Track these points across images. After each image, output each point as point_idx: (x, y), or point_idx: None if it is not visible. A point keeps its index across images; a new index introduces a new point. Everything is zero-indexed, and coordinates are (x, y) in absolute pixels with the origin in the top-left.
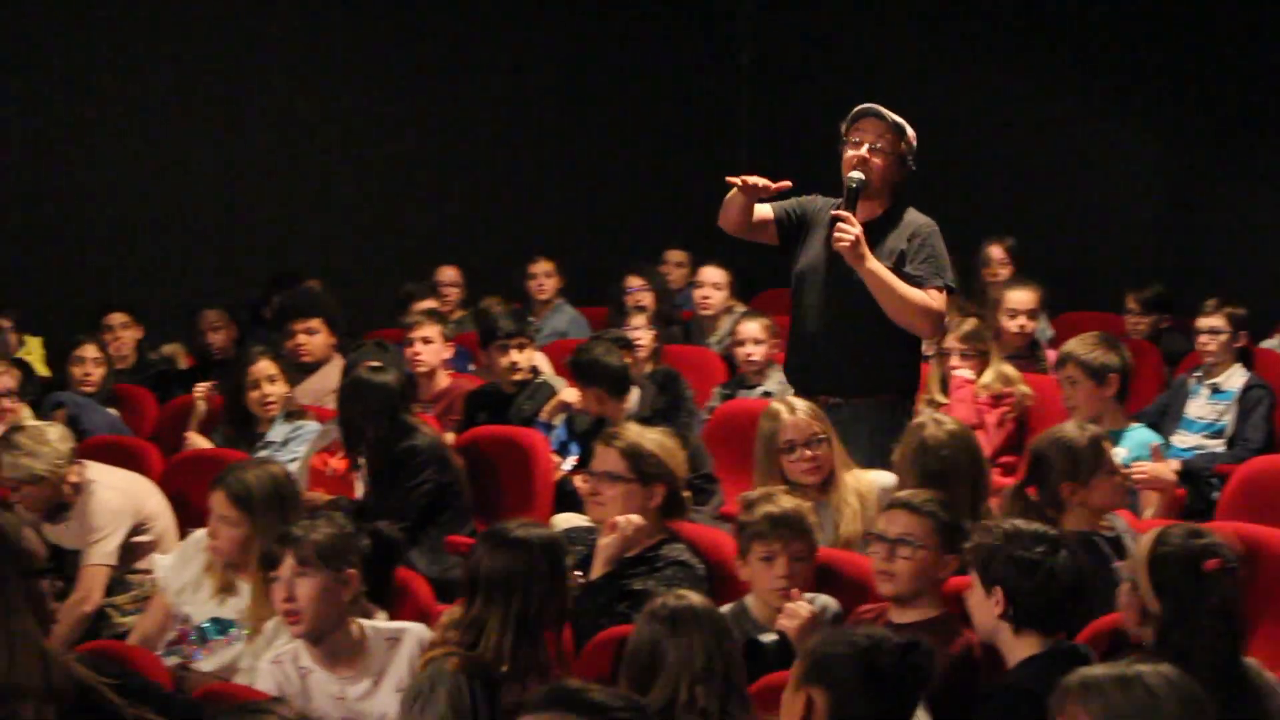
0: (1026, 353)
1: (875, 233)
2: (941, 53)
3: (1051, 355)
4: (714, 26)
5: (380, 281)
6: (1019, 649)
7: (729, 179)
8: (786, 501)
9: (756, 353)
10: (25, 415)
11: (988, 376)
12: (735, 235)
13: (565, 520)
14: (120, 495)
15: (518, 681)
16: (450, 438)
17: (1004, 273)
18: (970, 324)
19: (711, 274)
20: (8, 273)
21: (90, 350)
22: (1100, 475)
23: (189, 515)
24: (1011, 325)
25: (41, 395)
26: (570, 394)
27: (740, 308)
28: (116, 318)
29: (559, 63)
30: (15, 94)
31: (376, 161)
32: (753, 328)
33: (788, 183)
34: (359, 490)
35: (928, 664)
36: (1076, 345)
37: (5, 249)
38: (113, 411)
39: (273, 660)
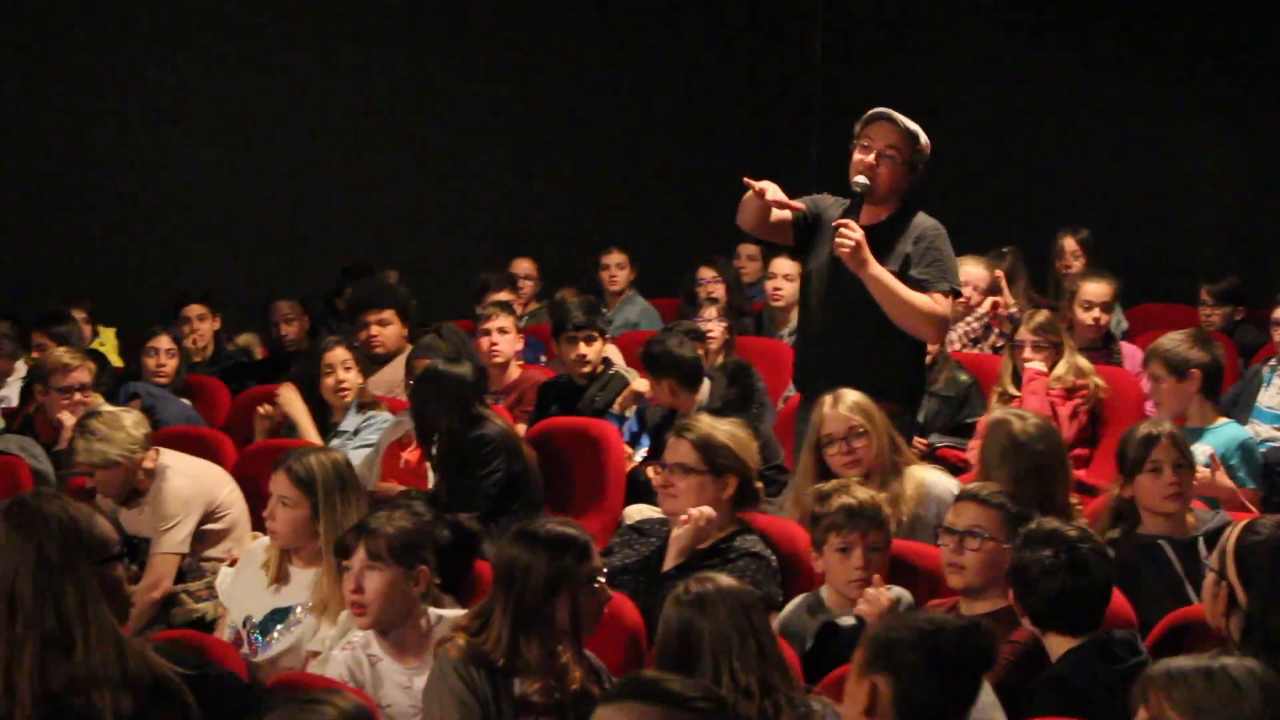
0: (1100, 345)
1: (881, 237)
2: (1016, 43)
3: (1126, 348)
4: (786, 17)
5: (455, 273)
6: (1054, 645)
7: (746, 180)
8: (861, 493)
9: None
10: (98, 403)
11: (1061, 369)
12: (752, 233)
13: (637, 512)
14: (192, 483)
15: (519, 676)
16: (522, 429)
17: (1077, 264)
18: (1042, 316)
19: (783, 265)
20: (82, 264)
21: (164, 341)
22: (1144, 473)
23: (261, 505)
24: (1086, 317)
25: (116, 386)
26: (642, 385)
27: None
28: (194, 309)
29: (633, 56)
30: (96, 91)
31: (453, 154)
32: None
33: (801, 205)
34: (431, 481)
35: (989, 645)
36: (1163, 341)
37: (80, 241)
38: (186, 402)
39: (344, 646)
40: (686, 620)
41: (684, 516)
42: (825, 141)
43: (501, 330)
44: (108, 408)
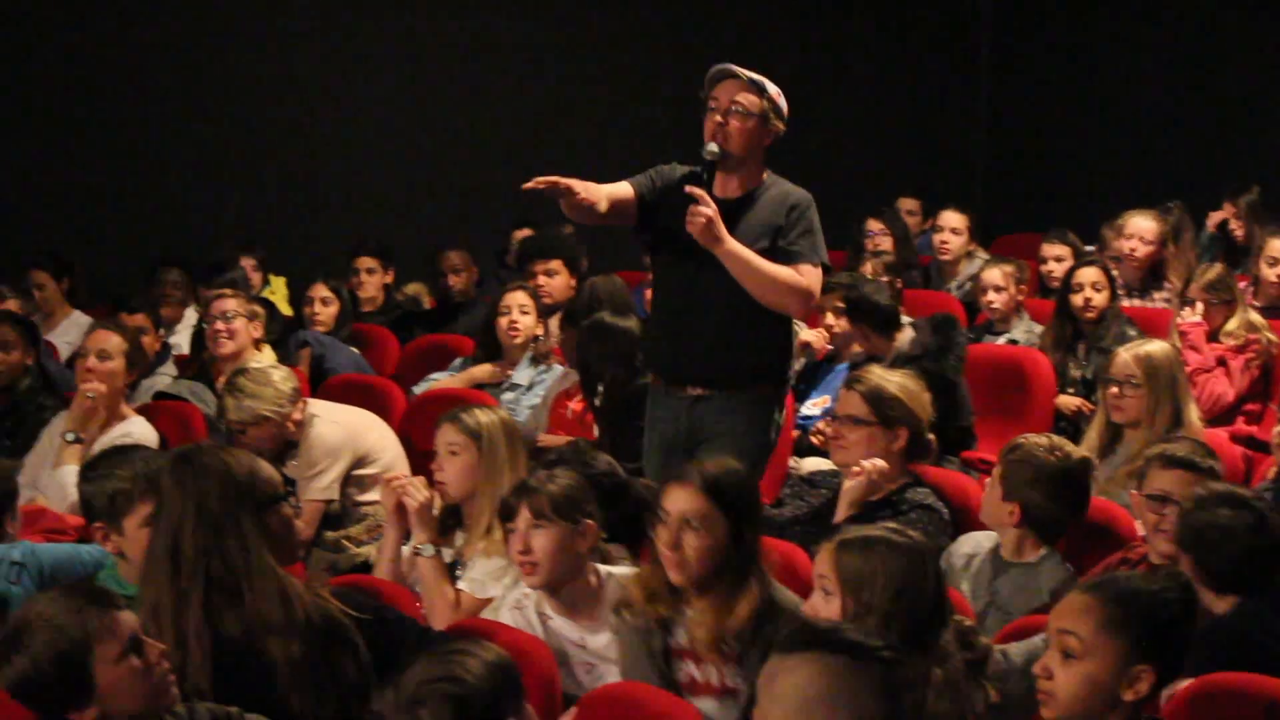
0: None
1: (745, 207)
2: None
3: None
4: None
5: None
6: (1219, 605)
7: (525, 187)
8: (1040, 442)
9: (998, 300)
10: (268, 354)
11: (1232, 324)
12: (594, 225)
13: (809, 464)
14: (339, 430)
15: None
16: None
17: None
18: (1214, 272)
19: (951, 219)
20: (255, 213)
21: (320, 290)
22: None
23: (432, 455)
24: (1270, 274)
25: (284, 334)
26: (810, 336)
27: (981, 252)
28: (365, 261)
29: (796, 15)
30: (268, 45)
31: (619, 108)
32: (994, 275)
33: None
34: (596, 432)
35: None
36: None
37: (252, 190)
38: (355, 351)
39: (514, 605)
40: (859, 568)
41: (855, 469)
42: (993, 97)
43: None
44: (254, 364)
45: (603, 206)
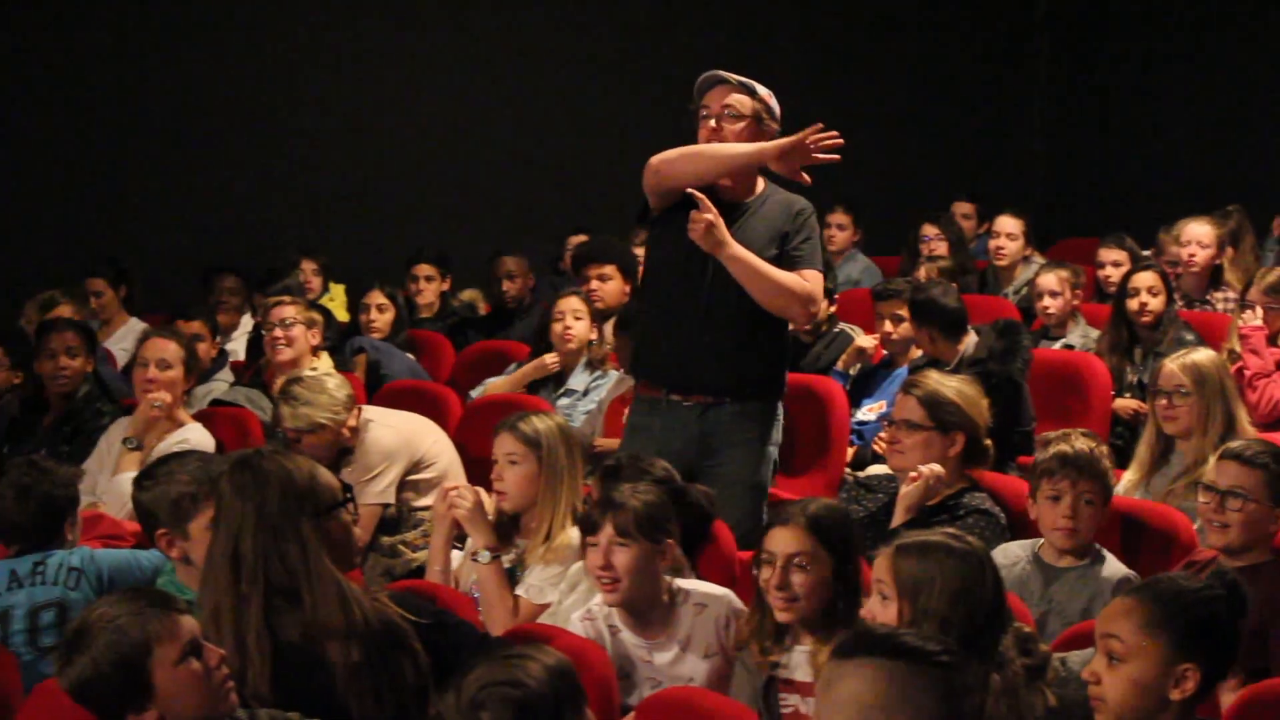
0: None
1: (749, 214)
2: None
3: None
4: None
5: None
6: None
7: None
8: (1081, 442)
9: (1054, 305)
10: (325, 361)
11: None
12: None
13: (870, 469)
14: (394, 434)
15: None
16: None
17: None
18: (1275, 275)
19: (1006, 224)
20: (317, 220)
21: (376, 297)
22: None
23: (484, 463)
24: None
25: (341, 341)
26: (866, 342)
27: (1037, 257)
28: (423, 269)
29: (854, 17)
30: (327, 53)
31: (674, 121)
32: (1050, 279)
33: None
34: None
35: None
36: None
37: (313, 198)
38: (410, 357)
39: (584, 616)
40: (917, 573)
41: (913, 473)
42: (1048, 101)
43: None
44: (309, 372)
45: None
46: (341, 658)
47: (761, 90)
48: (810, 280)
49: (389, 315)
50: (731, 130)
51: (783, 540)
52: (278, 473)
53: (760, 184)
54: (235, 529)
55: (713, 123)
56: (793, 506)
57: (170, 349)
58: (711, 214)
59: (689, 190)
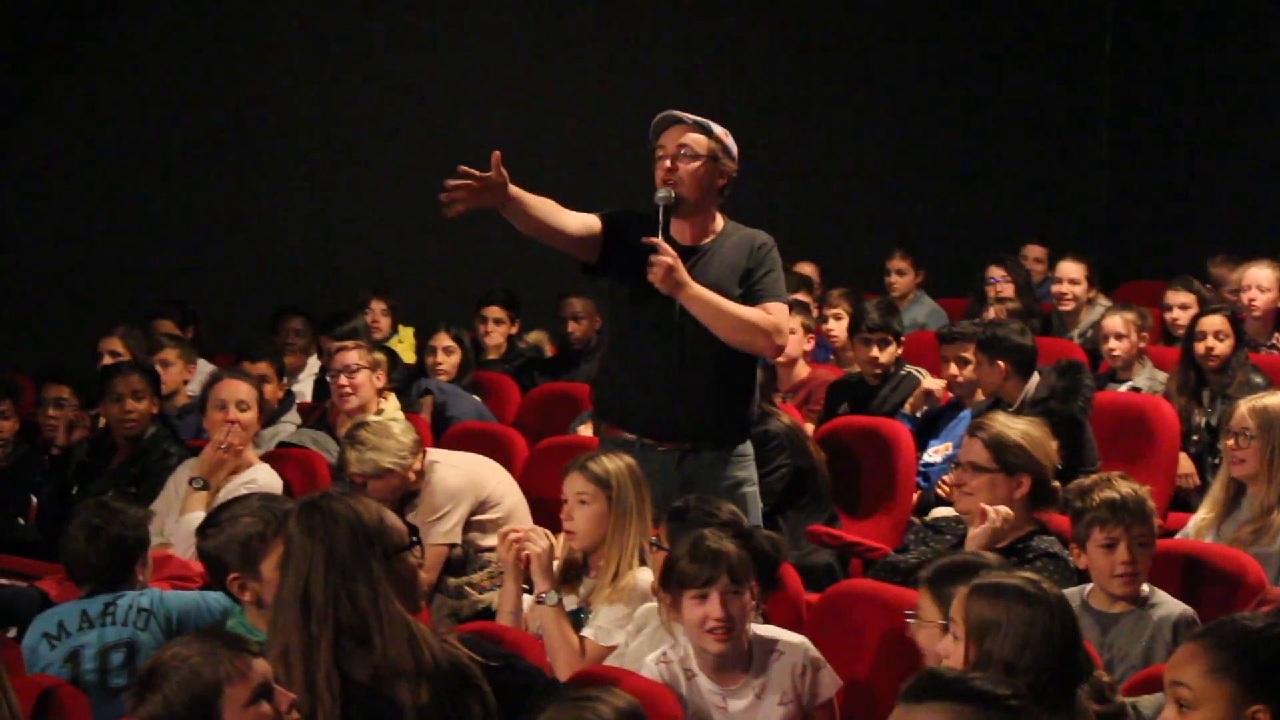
0: None
1: (709, 254)
2: None
3: None
4: (1074, 17)
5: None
6: None
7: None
8: (1124, 486)
9: (1120, 347)
10: (392, 402)
11: None
12: (547, 243)
13: (936, 512)
14: (460, 474)
15: None
16: (810, 428)
17: None
18: None
19: (1069, 269)
20: (388, 262)
21: (442, 339)
22: None
23: (551, 504)
24: None
25: (407, 383)
26: (934, 385)
27: (1102, 300)
28: (493, 311)
29: (917, 60)
30: (394, 94)
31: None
32: (1116, 322)
33: (497, 154)
34: None
35: None
36: None
37: (386, 239)
38: (476, 399)
39: (660, 659)
40: (986, 615)
41: (981, 515)
42: (1114, 143)
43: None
44: (374, 417)
45: (568, 224)
46: (411, 698)
47: (717, 129)
48: (774, 312)
49: (455, 358)
50: (688, 170)
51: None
52: (347, 514)
53: (719, 222)
54: (305, 570)
55: (668, 162)
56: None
57: (246, 390)
58: (670, 257)
59: (645, 239)
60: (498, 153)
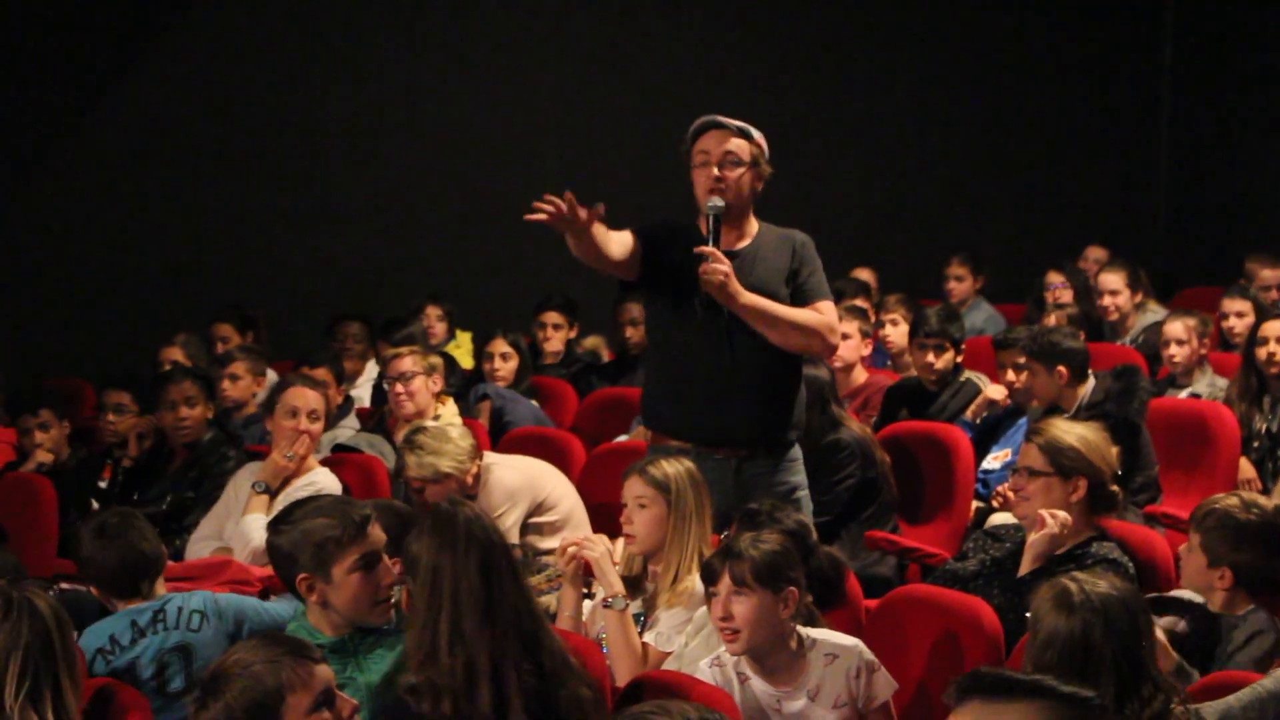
0: None
1: (752, 258)
2: None
3: None
4: (1134, 20)
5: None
6: None
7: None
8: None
9: (1180, 353)
10: (450, 407)
11: None
12: (594, 266)
13: (995, 518)
14: (518, 475)
15: None
16: (870, 433)
17: None
18: None
19: (1109, 281)
20: (445, 268)
21: (500, 345)
22: None
23: (608, 509)
24: None
25: (465, 388)
26: (995, 393)
27: (1152, 304)
28: (551, 316)
29: (975, 63)
30: (455, 101)
31: (795, 163)
32: (1176, 328)
33: (600, 207)
34: None
35: None
36: None
37: (444, 244)
38: (534, 404)
39: (713, 663)
40: (1088, 627)
41: (1040, 520)
42: (1174, 147)
43: (844, 336)
44: (431, 422)
45: (614, 251)
46: (582, 697)
47: (755, 134)
48: (825, 311)
49: (512, 364)
50: (733, 177)
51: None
52: (483, 522)
53: (754, 224)
54: (454, 586)
55: (715, 170)
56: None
57: (316, 399)
58: (726, 266)
59: (699, 249)
60: (570, 194)
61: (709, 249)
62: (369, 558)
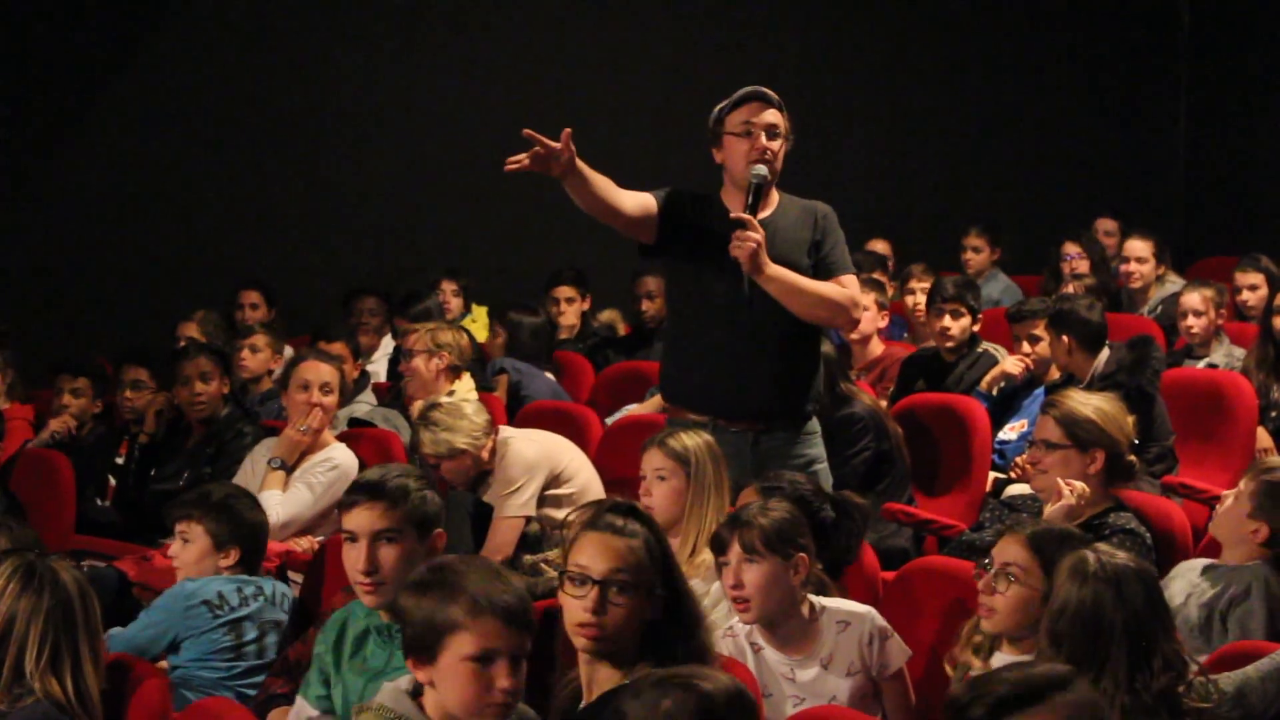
0: None
1: (774, 227)
2: None
3: None
4: None
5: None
6: None
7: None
8: None
9: (1197, 324)
10: (466, 381)
11: None
12: (604, 221)
13: (1012, 489)
14: (535, 447)
15: None
16: (884, 405)
17: None
18: None
19: (1136, 247)
20: (461, 243)
21: (564, 291)
22: None
23: (628, 482)
24: None
25: (482, 362)
26: (1012, 366)
27: (1172, 275)
28: (563, 291)
29: (992, 34)
30: (465, 76)
31: (813, 136)
32: (1194, 298)
33: (567, 131)
34: None
35: None
36: None
37: (459, 219)
38: (551, 378)
39: (726, 633)
40: (1099, 597)
41: (1056, 493)
42: (1191, 119)
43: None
44: (445, 398)
45: (626, 205)
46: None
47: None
48: (848, 285)
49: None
50: (777, 149)
51: (1004, 549)
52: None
53: (774, 195)
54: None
55: (762, 139)
56: (1025, 518)
57: (329, 373)
58: (760, 236)
59: (735, 214)
60: (568, 130)
61: (746, 216)
62: None
